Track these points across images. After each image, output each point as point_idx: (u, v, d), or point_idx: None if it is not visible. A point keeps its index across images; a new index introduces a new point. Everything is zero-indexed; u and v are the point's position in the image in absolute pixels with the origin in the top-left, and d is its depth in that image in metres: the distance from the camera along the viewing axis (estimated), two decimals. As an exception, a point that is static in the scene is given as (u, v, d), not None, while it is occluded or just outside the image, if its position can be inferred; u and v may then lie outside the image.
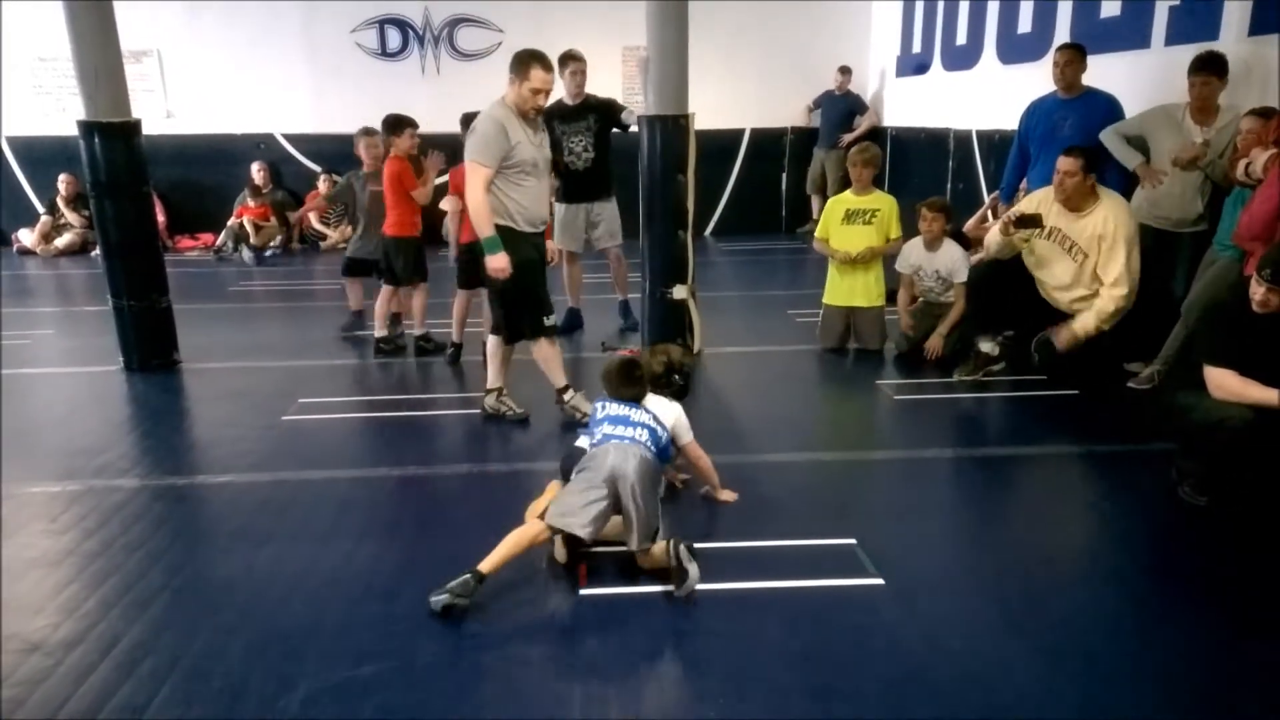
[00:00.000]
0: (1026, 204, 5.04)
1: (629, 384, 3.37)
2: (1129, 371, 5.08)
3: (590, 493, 3.00)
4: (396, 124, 5.85)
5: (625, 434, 3.17)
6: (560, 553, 3.17)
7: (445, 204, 5.92)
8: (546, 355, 4.53)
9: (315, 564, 3.19)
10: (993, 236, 5.05)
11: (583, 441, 3.44)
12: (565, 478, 3.36)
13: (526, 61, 4.09)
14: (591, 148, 5.85)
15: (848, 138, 10.24)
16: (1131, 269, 4.72)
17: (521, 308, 4.45)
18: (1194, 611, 2.86)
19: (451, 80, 10.44)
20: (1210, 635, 2.74)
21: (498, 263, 4.20)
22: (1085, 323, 4.82)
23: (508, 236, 4.24)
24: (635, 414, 3.26)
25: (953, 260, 5.42)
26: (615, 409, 3.29)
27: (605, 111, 5.91)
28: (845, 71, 10.20)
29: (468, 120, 5.05)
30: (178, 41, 10.12)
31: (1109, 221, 4.72)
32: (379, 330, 5.96)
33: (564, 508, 3.01)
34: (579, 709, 2.41)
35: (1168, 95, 5.13)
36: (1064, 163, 4.77)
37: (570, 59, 5.82)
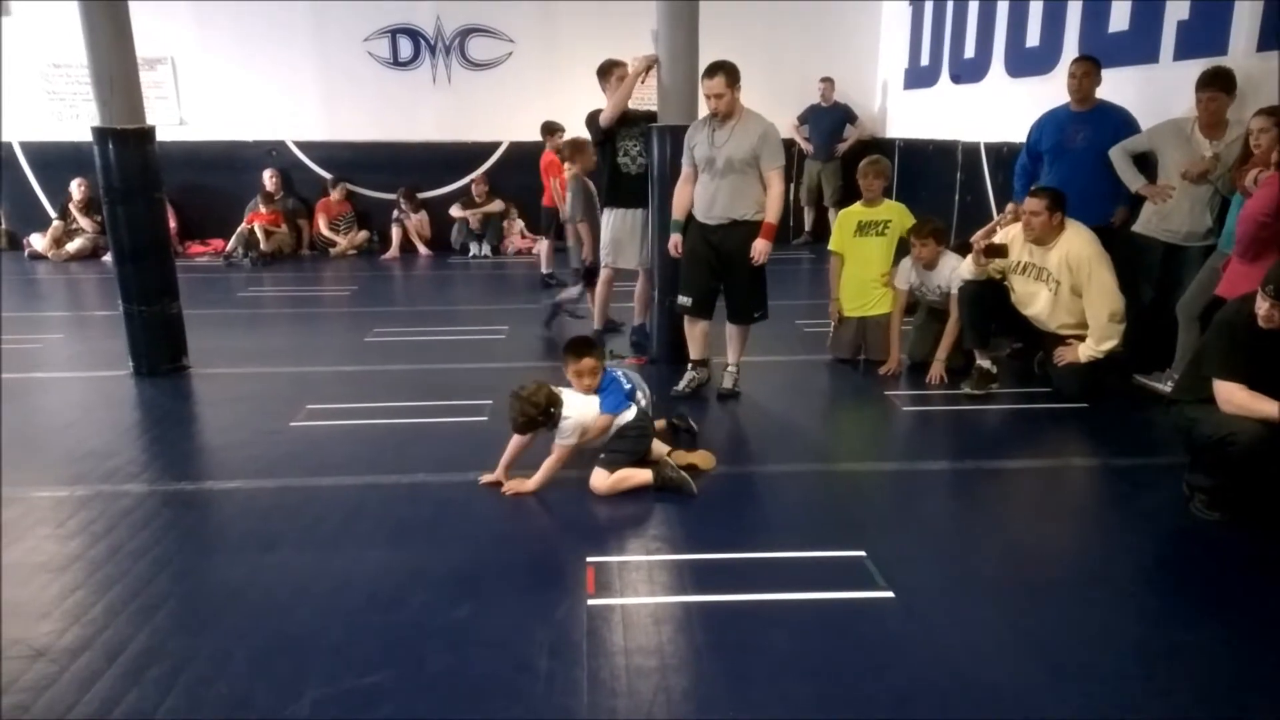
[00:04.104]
0: (999, 237, 5.18)
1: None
2: (1138, 385, 5.07)
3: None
4: (551, 129, 8.45)
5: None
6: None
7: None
8: (686, 329, 5.24)
9: (322, 571, 3.18)
10: (967, 266, 5.17)
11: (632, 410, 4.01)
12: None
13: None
14: (644, 153, 5.78)
15: (842, 148, 10.27)
16: (1118, 297, 4.85)
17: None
18: (1206, 629, 2.84)
19: (462, 90, 10.50)
20: (1223, 653, 2.72)
21: (670, 241, 5.04)
22: (1089, 349, 4.87)
23: (688, 222, 4.99)
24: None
25: (953, 271, 5.40)
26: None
27: (653, 119, 5.87)
28: (828, 82, 10.21)
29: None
30: (191, 49, 10.19)
31: (1074, 245, 4.86)
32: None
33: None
34: (585, 720, 2.40)
35: (1175, 109, 5.13)
36: (1030, 203, 4.93)
37: (615, 66, 5.82)
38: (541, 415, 3.73)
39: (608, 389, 3.98)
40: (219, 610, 2.94)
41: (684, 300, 5.08)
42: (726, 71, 4.64)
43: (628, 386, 4.07)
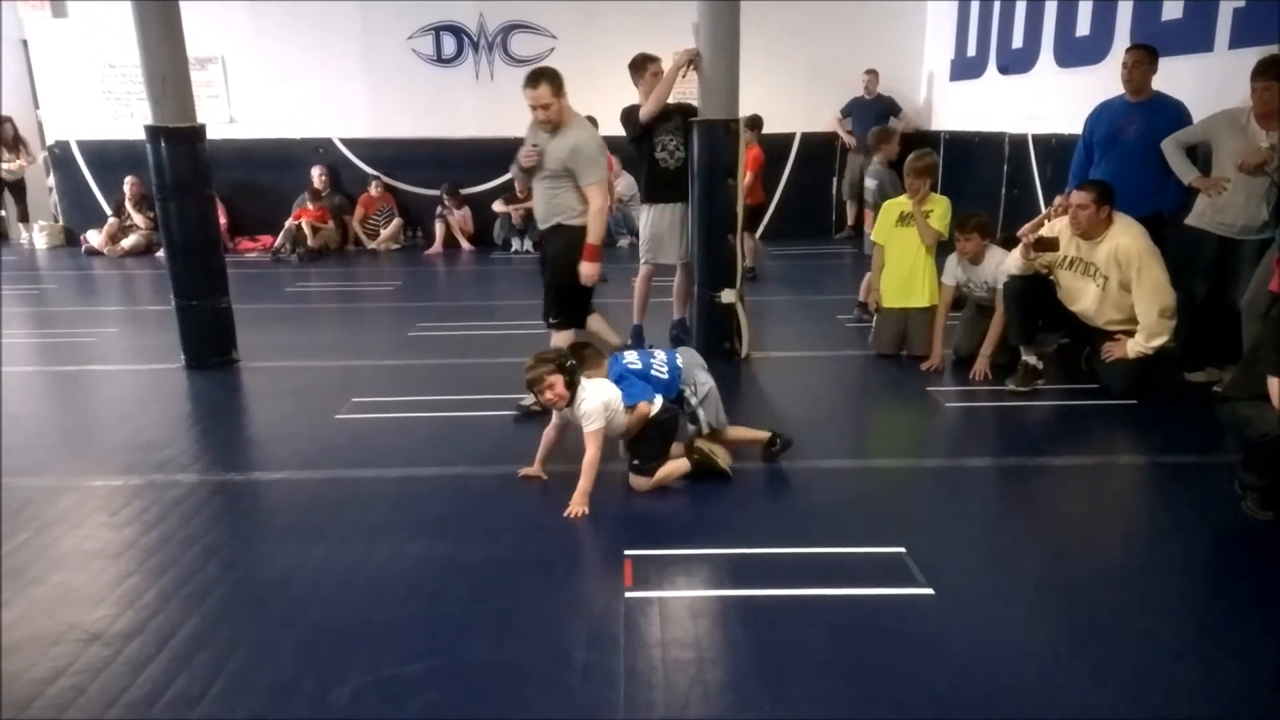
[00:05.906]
0: (1046, 230, 5.07)
1: None
2: (1189, 382, 4.96)
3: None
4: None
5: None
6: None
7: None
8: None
9: (365, 561, 3.24)
10: (1014, 260, 5.08)
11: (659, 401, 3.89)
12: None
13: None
14: (682, 147, 5.69)
15: None
16: (1169, 292, 4.73)
17: None
18: (1255, 630, 2.78)
19: (505, 86, 10.51)
20: (1272, 655, 2.65)
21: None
22: (1138, 345, 4.77)
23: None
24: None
25: (998, 266, 5.30)
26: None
27: (689, 113, 5.83)
28: (872, 74, 10.11)
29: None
30: (241, 48, 10.38)
31: (1123, 240, 4.74)
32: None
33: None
34: (623, 712, 2.41)
35: (1231, 99, 5.00)
36: (1078, 196, 4.84)
37: (649, 61, 5.79)
38: (558, 363, 3.69)
39: (622, 380, 3.88)
40: (266, 598, 3.00)
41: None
42: (549, 79, 4.54)
43: (664, 372, 3.97)
